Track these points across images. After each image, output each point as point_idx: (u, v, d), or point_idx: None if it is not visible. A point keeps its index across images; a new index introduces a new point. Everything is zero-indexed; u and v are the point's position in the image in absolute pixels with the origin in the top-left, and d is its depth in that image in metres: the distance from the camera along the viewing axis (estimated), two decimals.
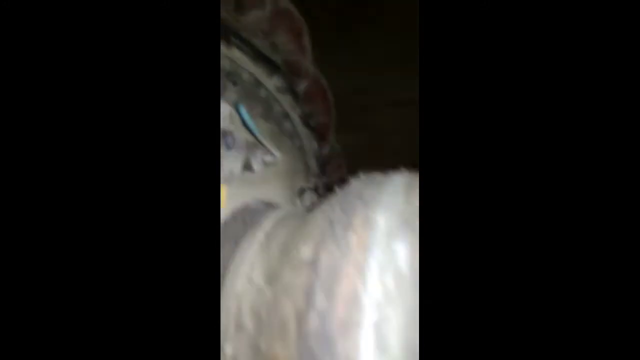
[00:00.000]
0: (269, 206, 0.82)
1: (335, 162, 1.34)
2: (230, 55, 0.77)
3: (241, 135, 0.62)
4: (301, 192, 0.99)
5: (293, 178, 1.00)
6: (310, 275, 0.41)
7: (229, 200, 0.64)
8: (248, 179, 0.69)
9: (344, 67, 1.36)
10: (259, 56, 0.83)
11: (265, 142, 0.67)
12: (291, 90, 1.00)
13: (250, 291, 0.55)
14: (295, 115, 1.06)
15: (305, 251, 0.45)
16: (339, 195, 0.53)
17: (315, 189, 1.16)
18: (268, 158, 0.71)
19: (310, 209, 1.05)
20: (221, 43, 0.71)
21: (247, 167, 0.68)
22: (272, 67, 0.88)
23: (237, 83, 0.86)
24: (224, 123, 0.57)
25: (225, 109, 0.58)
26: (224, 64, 0.81)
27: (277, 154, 0.70)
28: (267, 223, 0.65)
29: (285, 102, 1.00)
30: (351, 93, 1.32)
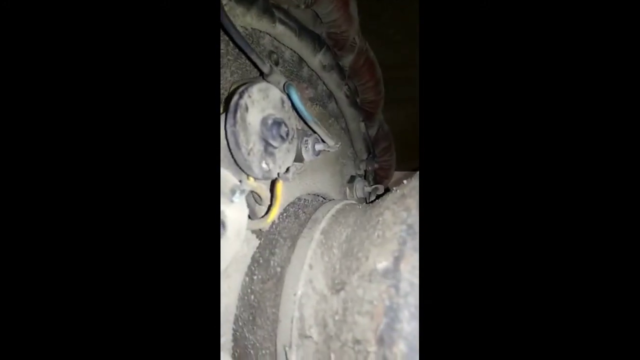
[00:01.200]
0: (321, 199, 0.77)
1: (384, 144, 1.25)
2: (273, 32, 0.70)
3: (292, 122, 0.56)
4: (351, 180, 0.92)
5: (342, 165, 0.93)
6: (391, 293, 0.36)
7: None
8: (297, 168, 0.64)
9: (391, 38, 1.24)
10: (302, 30, 0.75)
11: (317, 128, 0.61)
12: (337, 66, 0.92)
13: (313, 297, 0.51)
14: (340, 94, 0.98)
15: (380, 261, 0.40)
16: (411, 195, 0.46)
17: (365, 176, 1.09)
18: (320, 146, 0.65)
19: (362, 200, 0.99)
20: (264, 18, 0.64)
21: (298, 158, 0.63)
22: (316, 41, 0.80)
23: (279, 63, 0.79)
24: (275, 110, 0.52)
25: (274, 94, 0.52)
26: (266, 42, 0.74)
27: (331, 141, 0.64)
28: (323, 219, 0.60)
29: (331, 80, 0.92)
30: (400, 65, 1.20)
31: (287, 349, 0.50)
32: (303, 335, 0.50)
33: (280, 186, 0.49)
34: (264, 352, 0.53)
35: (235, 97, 0.46)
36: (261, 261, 0.58)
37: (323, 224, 0.59)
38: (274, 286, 0.54)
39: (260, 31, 0.69)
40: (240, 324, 0.55)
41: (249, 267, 0.58)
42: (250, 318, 0.55)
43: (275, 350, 0.51)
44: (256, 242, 0.59)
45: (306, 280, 0.53)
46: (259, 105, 0.49)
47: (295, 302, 0.51)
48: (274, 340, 0.52)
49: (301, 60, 0.85)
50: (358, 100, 1.07)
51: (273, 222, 0.61)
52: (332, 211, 0.63)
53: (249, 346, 0.54)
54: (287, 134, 0.51)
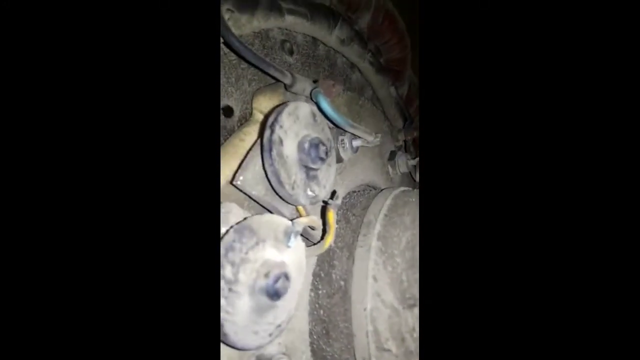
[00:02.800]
0: (367, 190, 0.74)
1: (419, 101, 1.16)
2: (284, 25, 0.63)
3: (327, 132, 0.52)
4: (391, 156, 0.88)
5: (379, 143, 0.88)
6: None
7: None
8: (337, 169, 0.61)
9: None
10: (313, 11, 0.66)
11: (354, 130, 0.56)
12: (356, 35, 0.83)
13: (384, 311, 0.52)
14: (364, 64, 0.89)
15: None
16: None
17: (405, 147, 1.03)
18: (358, 142, 0.61)
19: (407, 176, 0.94)
20: (271, 16, 0.57)
21: (337, 159, 0.60)
22: (330, 18, 0.72)
23: (293, 51, 0.72)
24: (309, 129, 0.48)
25: (304, 112, 0.47)
26: (275, 33, 0.68)
27: (369, 137, 0.59)
28: (377, 222, 0.58)
29: (351, 53, 0.83)
30: None
31: (366, 357, 0.52)
32: (381, 349, 0.51)
33: (332, 215, 0.47)
34: None
35: (267, 133, 0.42)
36: (322, 275, 0.59)
37: (378, 228, 0.58)
38: (341, 300, 0.55)
39: (269, 29, 0.62)
40: (315, 337, 0.58)
41: (312, 283, 0.59)
42: (324, 332, 0.57)
43: None
44: (314, 258, 0.60)
45: (373, 293, 0.53)
46: (292, 132, 0.45)
47: (366, 316, 0.52)
48: (352, 352, 0.54)
49: (315, 40, 0.77)
50: (382, 61, 0.98)
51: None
52: (384, 210, 0.60)
53: (328, 357, 0.57)
54: (326, 153, 0.47)
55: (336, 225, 0.61)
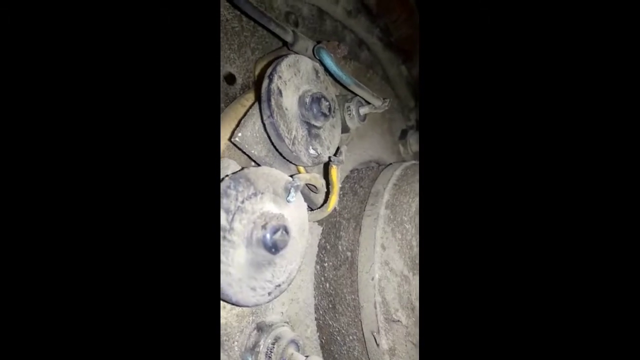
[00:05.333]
0: (375, 166, 0.72)
1: None
2: None
3: (331, 91, 0.51)
4: (402, 135, 0.85)
5: (390, 120, 0.86)
6: None
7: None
8: (343, 139, 0.59)
9: None
10: None
11: (360, 90, 0.54)
12: (364, 8, 0.81)
13: (392, 280, 0.49)
14: (373, 39, 0.87)
15: None
16: None
17: (418, 126, 1.00)
18: (365, 109, 0.59)
19: (416, 158, 0.92)
20: None
21: (343, 128, 0.58)
22: None
23: (299, 23, 0.71)
24: (310, 84, 0.46)
25: (306, 65, 0.46)
26: (279, 3, 0.67)
27: (377, 101, 0.57)
28: (385, 191, 0.56)
29: (359, 26, 0.82)
30: None
31: (375, 334, 0.49)
32: (390, 320, 0.48)
33: (335, 172, 0.45)
34: (351, 337, 0.53)
35: (265, 83, 0.41)
36: (328, 247, 0.56)
37: (386, 197, 0.55)
38: (348, 272, 0.53)
39: None
40: (321, 312, 0.56)
41: (318, 256, 0.57)
42: (330, 306, 0.55)
43: (363, 335, 0.51)
44: (319, 229, 0.58)
45: (381, 262, 0.50)
46: (292, 85, 0.44)
47: (374, 286, 0.49)
48: (359, 325, 0.51)
49: (322, 12, 0.76)
50: (393, 39, 0.96)
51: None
52: (393, 179, 0.58)
53: (335, 333, 0.54)
54: (329, 109, 0.45)
55: (344, 200, 0.59)
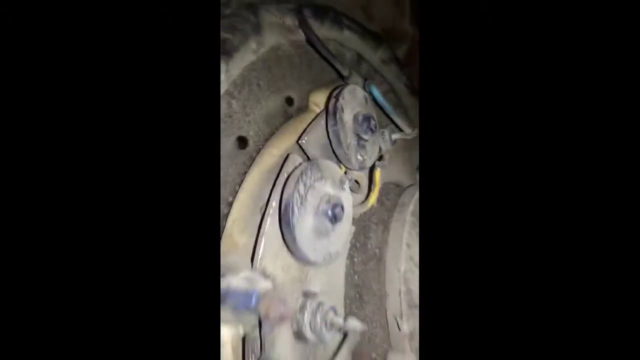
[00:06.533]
0: (400, 186, 0.84)
1: None
2: (340, 38, 0.78)
3: (374, 115, 0.64)
4: (418, 168, 0.98)
5: (410, 153, 0.99)
6: None
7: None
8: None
9: None
10: (365, 31, 0.83)
11: (397, 118, 0.68)
12: (395, 59, 0.99)
13: (416, 273, 0.59)
14: (400, 85, 1.04)
15: None
16: None
17: None
18: (396, 135, 0.72)
19: None
20: (334, 27, 0.73)
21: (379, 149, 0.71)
22: (376, 39, 0.88)
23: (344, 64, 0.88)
24: (362, 108, 0.60)
25: (359, 93, 0.60)
26: (331, 46, 0.83)
27: (408, 129, 0.71)
28: (410, 203, 0.67)
29: (390, 73, 0.99)
30: None
31: (398, 319, 0.57)
32: (413, 306, 0.57)
33: (378, 173, 0.57)
34: (374, 324, 0.61)
35: (332, 101, 0.55)
36: (358, 245, 0.66)
37: (412, 207, 0.66)
38: (376, 266, 0.62)
39: (328, 39, 0.78)
40: (348, 302, 0.64)
41: (349, 252, 0.66)
42: (357, 296, 0.63)
43: (386, 321, 0.59)
44: (352, 229, 0.68)
45: (407, 257, 0.60)
46: (349, 106, 0.58)
47: (400, 277, 0.59)
48: (383, 313, 0.60)
49: (360, 58, 0.93)
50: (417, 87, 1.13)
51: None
52: (417, 195, 0.70)
53: (360, 320, 0.62)
54: (375, 126, 0.59)
55: (373, 209, 0.71)
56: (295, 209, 0.44)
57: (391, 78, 1.01)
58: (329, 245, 0.49)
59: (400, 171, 0.91)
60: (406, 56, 1.07)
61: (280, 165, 0.51)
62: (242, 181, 0.55)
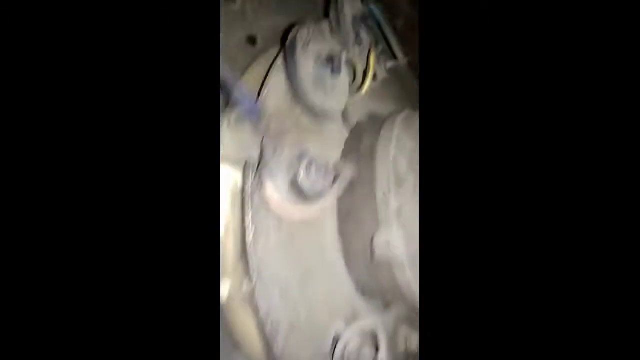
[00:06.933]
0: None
1: None
2: None
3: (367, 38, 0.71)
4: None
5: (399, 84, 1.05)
6: None
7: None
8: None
9: None
10: None
11: (393, 43, 0.77)
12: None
13: (406, 154, 0.64)
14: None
15: None
16: None
17: None
18: (390, 64, 0.80)
19: None
20: None
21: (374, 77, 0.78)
22: None
23: None
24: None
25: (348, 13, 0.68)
26: None
27: (403, 58, 0.79)
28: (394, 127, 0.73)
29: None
30: None
31: (386, 194, 0.61)
32: (400, 179, 0.61)
33: (373, 57, 0.65)
34: (365, 210, 0.64)
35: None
36: (352, 147, 0.72)
37: (396, 131, 0.72)
38: (369, 155, 0.67)
39: None
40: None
41: (342, 152, 0.71)
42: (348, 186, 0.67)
43: (375, 199, 0.62)
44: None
45: (396, 140, 0.65)
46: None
47: (389, 160, 0.63)
48: (373, 195, 0.63)
49: None
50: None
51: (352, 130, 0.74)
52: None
53: (351, 210, 0.66)
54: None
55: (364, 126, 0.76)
56: (299, 45, 0.51)
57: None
58: (326, 101, 0.55)
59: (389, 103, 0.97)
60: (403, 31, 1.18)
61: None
62: None
